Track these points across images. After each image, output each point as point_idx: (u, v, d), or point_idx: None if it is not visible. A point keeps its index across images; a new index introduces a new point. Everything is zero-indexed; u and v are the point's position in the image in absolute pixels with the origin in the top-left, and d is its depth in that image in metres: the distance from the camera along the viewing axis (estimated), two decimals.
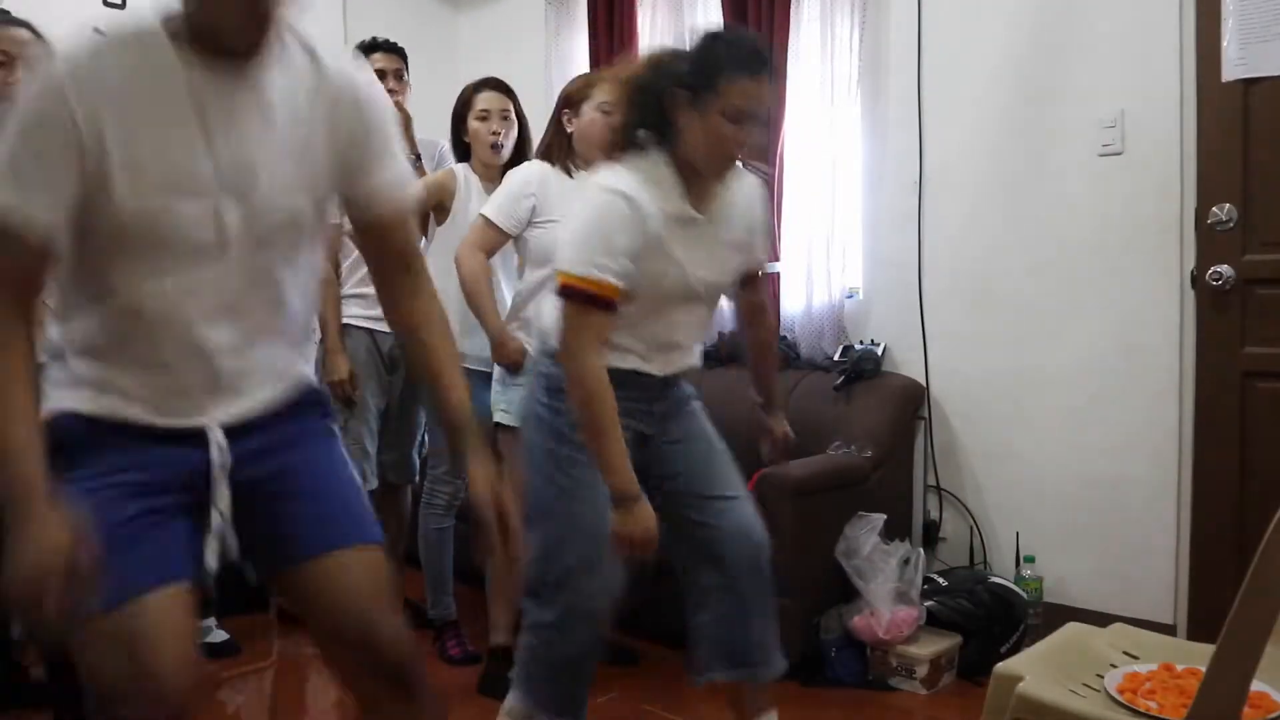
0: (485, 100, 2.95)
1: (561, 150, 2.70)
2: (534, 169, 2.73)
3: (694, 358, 2.11)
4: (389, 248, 1.51)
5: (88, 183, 1.22)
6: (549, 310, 2.01)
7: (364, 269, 3.04)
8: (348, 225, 2.94)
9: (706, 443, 2.10)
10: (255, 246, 1.33)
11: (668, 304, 1.95)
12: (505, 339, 2.67)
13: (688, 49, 1.90)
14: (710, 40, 1.89)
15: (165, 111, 1.25)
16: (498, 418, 2.69)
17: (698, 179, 1.92)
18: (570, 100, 2.69)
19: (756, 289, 2.21)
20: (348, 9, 4.24)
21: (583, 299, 1.83)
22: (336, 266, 3.07)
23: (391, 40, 3.24)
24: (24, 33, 2.25)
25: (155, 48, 1.24)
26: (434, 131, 3.22)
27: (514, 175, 2.74)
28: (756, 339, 2.27)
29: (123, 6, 3.59)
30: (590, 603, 1.92)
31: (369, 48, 3.20)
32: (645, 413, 1.99)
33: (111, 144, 1.22)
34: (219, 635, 3.02)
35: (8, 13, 2.47)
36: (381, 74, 3.12)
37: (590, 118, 2.62)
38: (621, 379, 1.89)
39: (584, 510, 1.91)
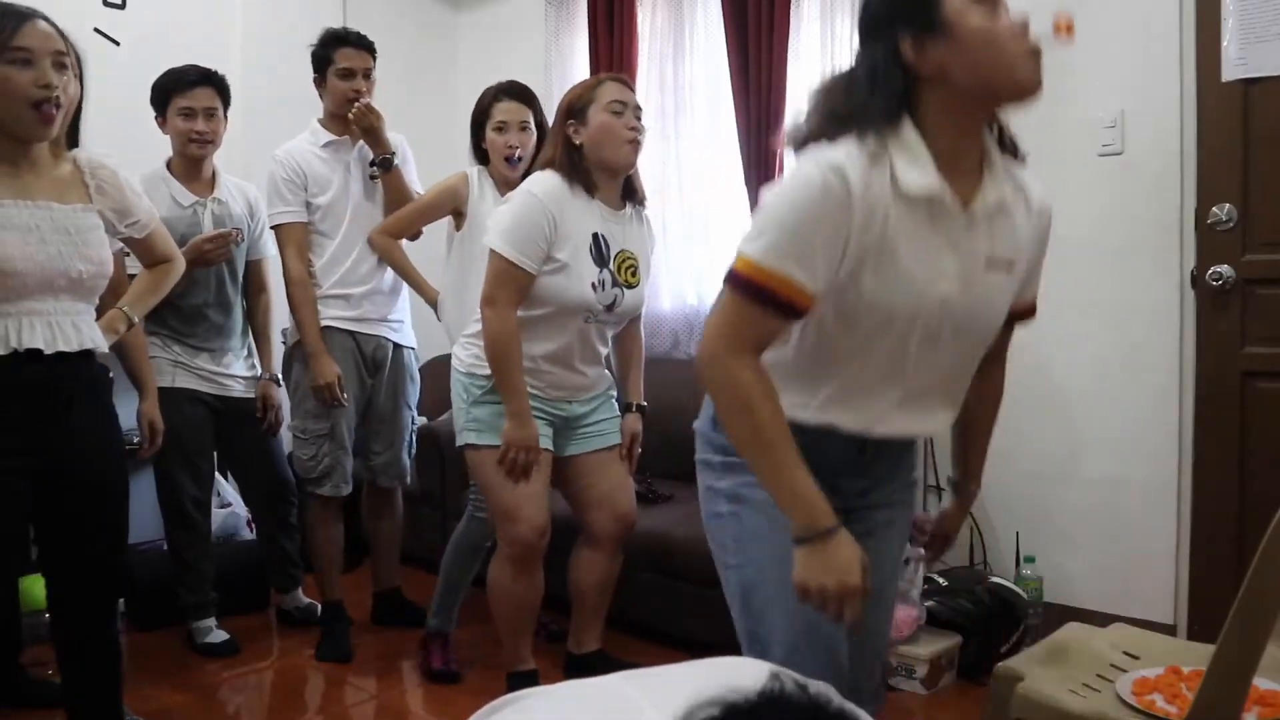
0: (503, 111, 2.81)
1: (575, 169, 2.37)
2: (550, 188, 2.34)
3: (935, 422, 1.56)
4: None
5: None
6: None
7: (341, 269, 2.92)
8: (318, 223, 2.90)
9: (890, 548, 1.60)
10: None
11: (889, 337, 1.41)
12: (529, 422, 2.35)
13: None
14: None
15: None
16: (468, 439, 2.44)
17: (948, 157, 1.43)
18: (572, 110, 2.39)
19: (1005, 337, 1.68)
20: (348, 9, 4.24)
21: (754, 293, 1.32)
22: (308, 266, 2.92)
23: (361, 34, 2.98)
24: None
25: None
26: (434, 132, 3.22)
27: (525, 200, 2.34)
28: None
29: (122, 7, 3.58)
30: None
31: (338, 39, 2.94)
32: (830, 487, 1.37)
33: None
34: (219, 635, 3.01)
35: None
36: (349, 73, 2.91)
37: (600, 120, 2.35)
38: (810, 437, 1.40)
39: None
